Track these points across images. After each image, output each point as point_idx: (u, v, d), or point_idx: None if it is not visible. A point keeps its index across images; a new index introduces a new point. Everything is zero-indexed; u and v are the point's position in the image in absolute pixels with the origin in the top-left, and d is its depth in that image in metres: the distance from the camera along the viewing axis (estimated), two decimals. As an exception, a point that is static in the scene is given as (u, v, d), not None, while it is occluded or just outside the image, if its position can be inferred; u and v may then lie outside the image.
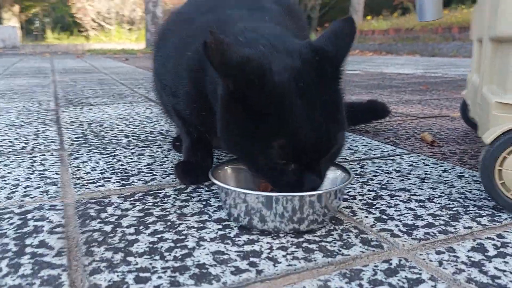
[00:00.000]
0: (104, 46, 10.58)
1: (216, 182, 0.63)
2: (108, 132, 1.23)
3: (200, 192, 0.75)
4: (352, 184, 0.79)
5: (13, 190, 0.76)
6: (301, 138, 0.56)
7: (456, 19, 6.72)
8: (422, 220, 0.64)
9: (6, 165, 0.90)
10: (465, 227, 0.62)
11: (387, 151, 1.03)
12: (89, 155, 0.99)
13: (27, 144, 1.08)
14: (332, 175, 0.70)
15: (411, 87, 2.40)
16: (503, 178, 0.65)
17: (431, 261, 0.53)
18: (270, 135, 0.56)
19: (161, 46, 0.85)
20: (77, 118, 1.44)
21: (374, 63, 4.88)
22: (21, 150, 1.02)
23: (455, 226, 0.62)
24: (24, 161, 0.93)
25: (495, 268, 0.51)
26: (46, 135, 1.19)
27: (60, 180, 0.81)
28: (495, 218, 0.65)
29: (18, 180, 0.81)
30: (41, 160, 0.94)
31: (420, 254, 0.54)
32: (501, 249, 0.55)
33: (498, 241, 0.58)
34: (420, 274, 0.50)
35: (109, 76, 3.09)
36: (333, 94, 0.60)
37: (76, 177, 0.83)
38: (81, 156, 0.97)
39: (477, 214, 0.66)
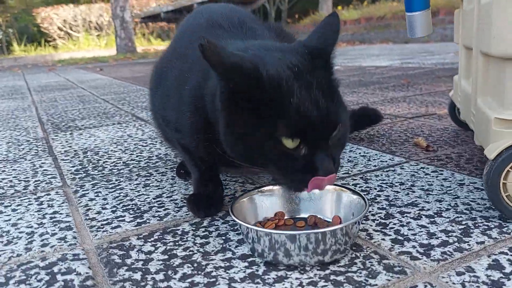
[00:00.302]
0: (74, 55, 10.38)
1: (238, 221, 0.65)
2: (106, 161, 1.22)
3: (217, 225, 0.77)
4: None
5: (30, 239, 0.76)
6: (303, 115, 0.58)
7: (424, 4, 6.83)
8: (436, 238, 0.67)
9: (14, 210, 0.90)
10: (477, 242, 0.65)
11: (386, 161, 1.06)
12: (95, 190, 0.99)
13: (28, 183, 1.07)
14: (347, 199, 0.73)
15: (393, 82, 2.45)
16: (508, 191, 0.69)
17: (454, 283, 0.56)
18: (273, 121, 0.59)
19: (159, 85, 0.87)
20: (70, 147, 1.43)
21: (351, 56, 4.94)
22: (24, 191, 1.02)
23: (468, 242, 0.65)
24: (31, 203, 0.93)
25: (515, 286, 0.54)
26: (45, 170, 1.18)
27: (73, 224, 0.82)
28: (503, 230, 0.68)
29: (31, 227, 0.81)
30: (48, 201, 0.94)
31: (443, 277, 0.57)
32: (516, 265, 0.59)
33: (511, 255, 0.61)
34: (448, 299, 0.53)
35: (88, 92, 3.05)
36: (328, 82, 0.63)
37: (89, 219, 0.83)
38: (87, 193, 0.98)
39: (486, 227, 0.70)
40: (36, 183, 1.07)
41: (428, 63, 3.40)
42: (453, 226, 0.71)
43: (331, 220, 0.73)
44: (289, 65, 0.61)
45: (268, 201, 0.76)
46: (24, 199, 0.96)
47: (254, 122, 0.60)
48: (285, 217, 0.75)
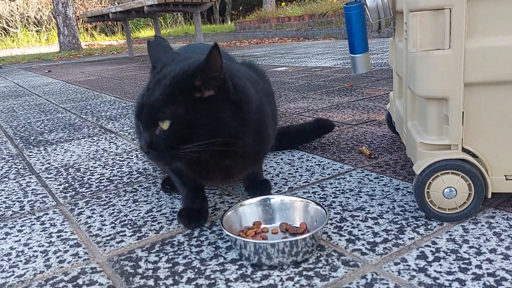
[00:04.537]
0: (13, 52, 9.98)
1: (228, 233, 0.82)
2: (91, 178, 1.35)
3: (206, 235, 0.94)
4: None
5: (46, 257, 0.89)
6: (136, 101, 0.87)
7: (363, 1, 7.20)
8: (379, 236, 0.88)
9: (20, 231, 1.02)
10: (409, 238, 0.86)
11: (337, 169, 1.26)
12: (89, 208, 1.12)
13: (22, 203, 1.19)
14: (310, 209, 0.92)
15: (338, 85, 2.69)
16: (431, 197, 0.91)
17: (392, 272, 0.76)
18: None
19: None
20: (49, 164, 1.53)
21: (296, 54, 5.18)
22: (22, 211, 1.13)
23: (402, 238, 0.87)
24: (33, 224, 1.05)
25: (435, 271, 0.75)
26: (33, 189, 1.29)
27: (80, 240, 0.96)
28: (428, 227, 0.90)
29: (43, 245, 0.94)
30: (49, 220, 1.07)
31: (384, 267, 0.78)
32: (436, 254, 0.80)
33: (433, 247, 0.83)
34: (388, 283, 0.73)
35: (44, 99, 3.07)
36: (175, 89, 0.83)
37: (93, 235, 0.97)
38: (83, 211, 1.11)
39: (415, 225, 0.91)
40: (30, 203, 1.19)
41: (368, 63, 3.69)
42: (391, 226, 0.92)
43: (298, 226, 0.91)
44: (171, 69, 0.86)
45: (248, 212, 0.94)
46: (26, 220, 1.08)
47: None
48: (262, 226, 0.93)
